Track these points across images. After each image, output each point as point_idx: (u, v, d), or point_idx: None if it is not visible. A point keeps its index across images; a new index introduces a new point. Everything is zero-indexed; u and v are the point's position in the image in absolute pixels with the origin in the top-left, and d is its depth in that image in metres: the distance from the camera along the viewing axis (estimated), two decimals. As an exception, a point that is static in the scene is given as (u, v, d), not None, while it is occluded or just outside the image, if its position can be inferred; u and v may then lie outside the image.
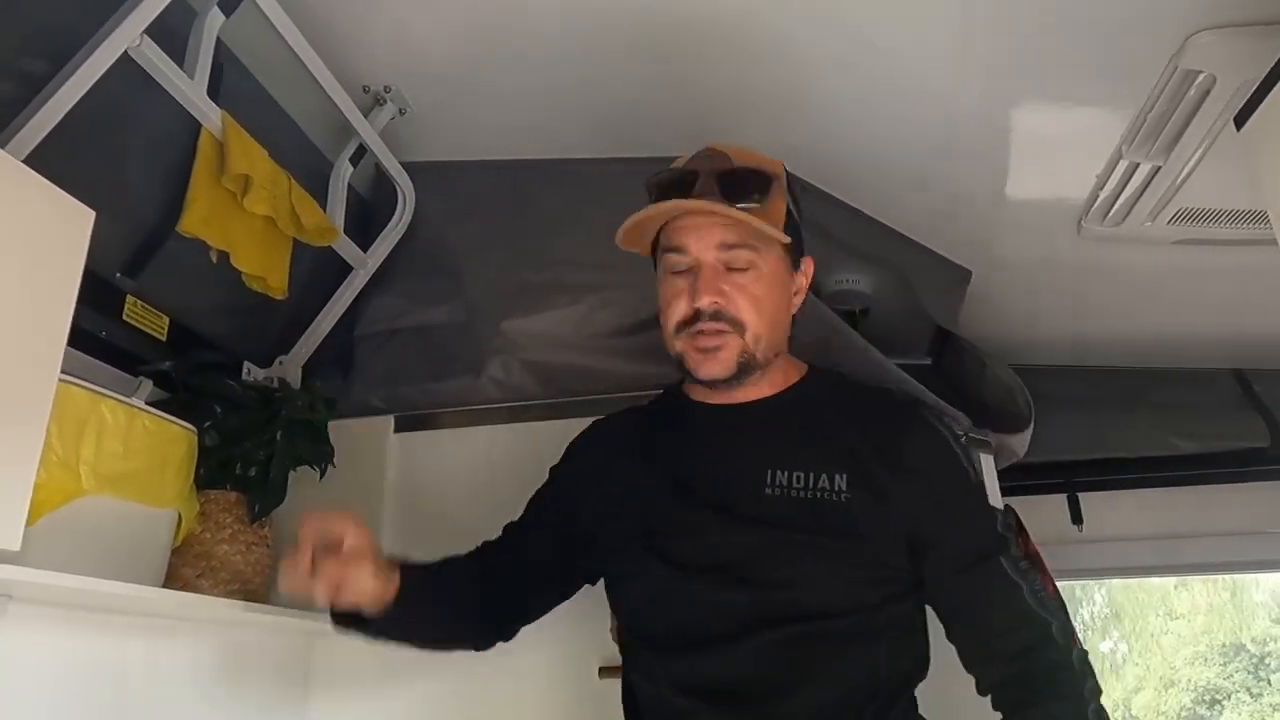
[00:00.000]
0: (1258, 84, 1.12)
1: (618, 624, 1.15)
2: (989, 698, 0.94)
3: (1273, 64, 1.08)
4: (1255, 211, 1.58)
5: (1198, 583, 8.77)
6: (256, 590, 1.23)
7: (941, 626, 1.00)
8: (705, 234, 0.98)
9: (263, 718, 1.31)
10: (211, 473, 1.20)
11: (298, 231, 1.30)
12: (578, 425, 1.48)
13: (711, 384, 1.01)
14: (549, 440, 1.48)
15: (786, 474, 0.96)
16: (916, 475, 0.98)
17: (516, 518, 1.18)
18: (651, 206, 1.00)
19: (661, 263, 1.03)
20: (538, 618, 1.17)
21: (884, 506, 0.96)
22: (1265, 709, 8.52)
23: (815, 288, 1.92)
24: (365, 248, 1.57)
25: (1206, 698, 8.82)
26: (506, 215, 1.64)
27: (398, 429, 1.54)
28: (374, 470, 1.50)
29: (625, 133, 1.62)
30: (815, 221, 1.75)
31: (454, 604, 1.09)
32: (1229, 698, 8.77)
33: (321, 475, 1.37)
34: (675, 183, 1.00)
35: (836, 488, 0.95)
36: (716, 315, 0.97)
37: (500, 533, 1.18)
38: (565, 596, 1.17)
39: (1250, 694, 8.78)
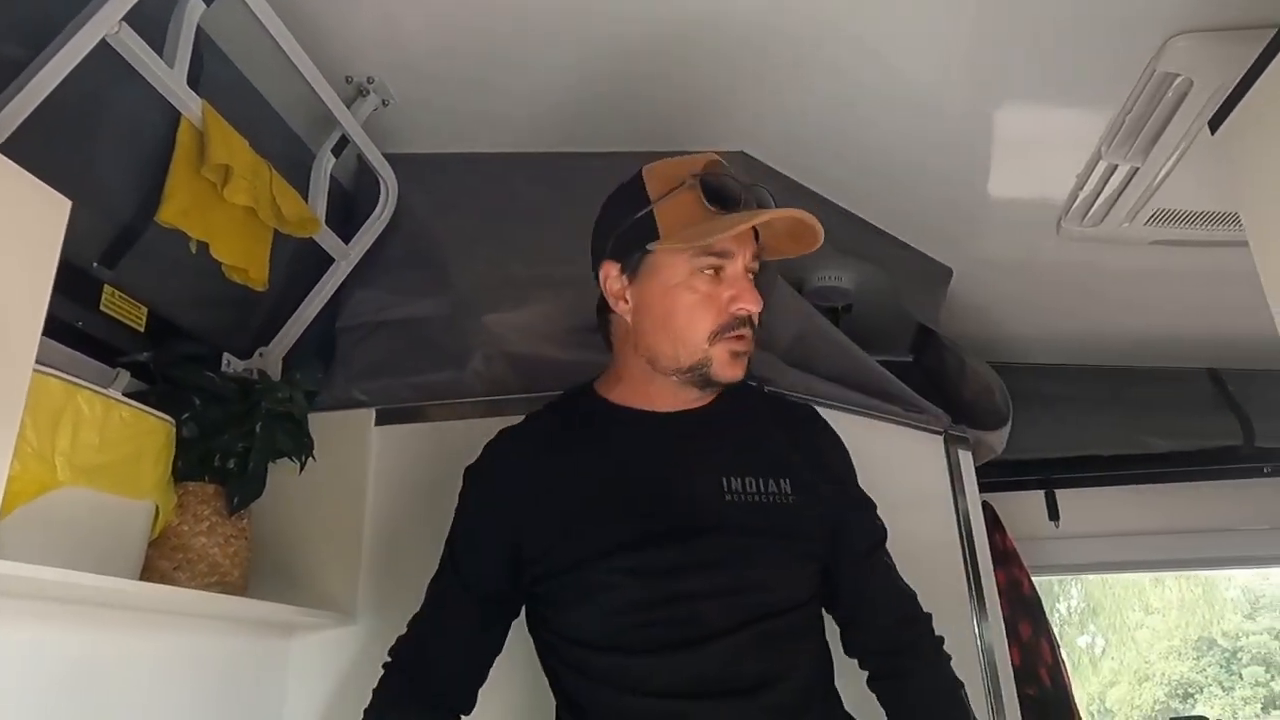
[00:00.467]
0: (1232, 88, 1.13)
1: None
2: (872, 662, 1.08)
3: (1247, 68, 1.10)
4: (1229, 214, 1.61)
5: (1172, 579, 8.91)
6: (235, 583, 1.23)
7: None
8: (747, 244, 1.00)
9: (239, 711, 1.30)
10: (190, 465, 1.19)
11: (279, 222, 1.29)
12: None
13: (714, 389, 1.03)
14: (530, 434, 1.50)
15: (740, 480, 1.00)
16: (833, 475, 1.10)
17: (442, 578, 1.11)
18: (777, 211, 0.97)
19: (688, 263, 0.97)
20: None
21: (818, 506, 1.04)
22: (1236, 702, 8.68)
23: (798, 284, 1.94)
24: (347, 239, 1.56)
25: (1180, 691, 8.96)
26: (491, 208, 1.63)
27: (379, 421, 1.53)
28: (355, 463, 1.49)
29: (612, 128, 1.62)
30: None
31: None
32: (1201, 691, 8.91)
33: (301, 468, 1.36)
34: (730, 191, 0.98)
35: (783, 491, 1.01)
36: (752, 322, 0.99)
37: (427, 611, 1.11)
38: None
39: (1222, 687, 8.93)
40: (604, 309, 1.09)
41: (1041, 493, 2.37)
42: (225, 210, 1.20)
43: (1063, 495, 2.37)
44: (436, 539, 1.44)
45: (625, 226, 1.02)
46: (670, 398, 1.05)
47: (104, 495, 0.99)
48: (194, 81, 1.15)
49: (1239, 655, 9.06)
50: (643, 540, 0.96)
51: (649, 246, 0.99)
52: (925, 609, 1.12)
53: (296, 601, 1.34)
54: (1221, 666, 9.03)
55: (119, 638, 1.07)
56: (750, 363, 1.02)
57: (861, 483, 1.17)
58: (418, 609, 1.15)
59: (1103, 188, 1.60)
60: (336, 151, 1.52)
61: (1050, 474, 2.37)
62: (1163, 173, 1.50)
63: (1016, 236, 1.87)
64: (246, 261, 1.25)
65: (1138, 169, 1.51)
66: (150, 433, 1.08)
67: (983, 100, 1.51)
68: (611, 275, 1.04)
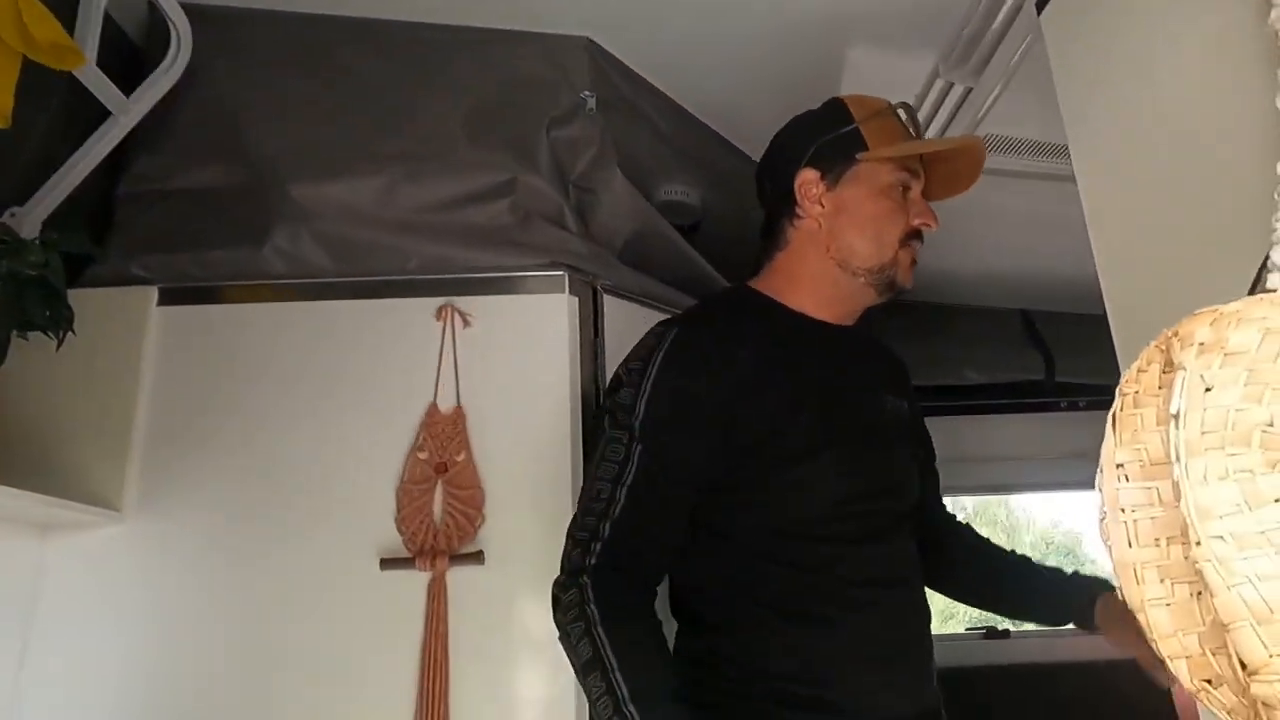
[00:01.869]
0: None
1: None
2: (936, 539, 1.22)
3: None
4: (1051, 144, 1.68)
5: (980, 525, 9.83)
6: (-37, 467, 1.04)
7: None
8: (922, 176, 1.14)
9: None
10: (-98, 325, 0.99)
11: (25, 46, 1.08)
12: (376, 307, 1.37)
13: (889, 293, 1.12)
14: (345, 322, 1.37)
15: (888, 397, 1.13)
16: (918, 409, 1.23)
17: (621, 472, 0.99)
18: (972, 138, 1.20)
19: (889, 175, 1.10)
20: None
21: (920, 428, 1.20)
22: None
23: (646, 196, 1.89)
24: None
25: (979, 628, 9.94)
26: (302, 71, 1.46)
27: (162, 301, 1.35)
28: (129, 345, 1.31)
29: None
30: (650, 121, 1.71)
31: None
32: (996, 627, 9.93)
33: (59, 344, 1.18)
34: (919, 125, 1.17)
35: (905, 410, 1.15)
36: (922, 238, 1.13)
37: (630, 508, 0.99)
38: None
39: (1014, 624, 9.97)
40: (783, 213, 1.15)
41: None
42: (-52, 17, 0.98)
43: (885, 424, 2.48)
44: (226, 431, 1.31)
45: (830, 138, 1.12)
46: (842, 305, 1.13)
47: None
48: None
49: (1030, 594, 10.16)
50: (842, 440, 1.04)
51: (858, 156, 1.10)
52: None
53: (52, 494, 1.16)
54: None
55: None
56: None
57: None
58: (582, 511, 1.01)
59: (939, 108, 1.62)
60: (115, -15, 1.30)
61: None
62: (994, 95, 1.53)
63: (857, 160, 1.89)
64: (-23, 85, 1.04)
65: (971, 89, 1.54)
66: None
67: (837, 17, 1.49)
68: (810, 180, 1.12)
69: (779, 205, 1.15)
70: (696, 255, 1.64)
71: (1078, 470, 2.52)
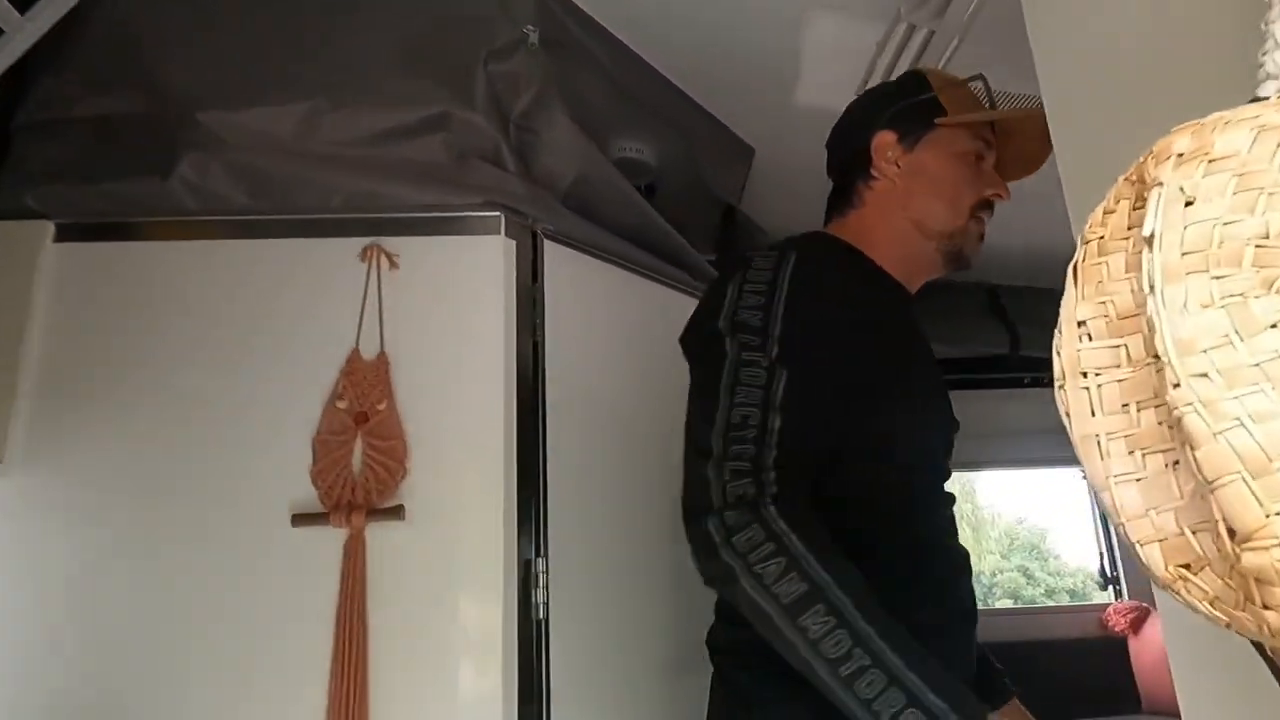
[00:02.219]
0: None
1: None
2: None
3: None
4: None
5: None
6: None
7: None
8: (994, 150, 1.15)
9: None
10: None
11: (-113, -66, 0.97)
12: (295, 246, 1.27)
13: (954, 266, 1.11)
14: (262, 263, 1.26)
15: (939, 371, 1.13)
16: None
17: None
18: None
19: (966, 143, 1.10)
20: None
21: None
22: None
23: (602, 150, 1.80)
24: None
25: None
26: (220, -7, 1.35)
27: (60, 238, 1.24)
28: (18, 282, 1.20)
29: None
30: (602, 67, 1.62)
31: None
32: (963, 619, 9.99)
33: (-69, 274, 1.06)
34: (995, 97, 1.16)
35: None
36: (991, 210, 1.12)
37: (793, 417, 0.89)
38: None
39: (981, 603, 10.04)
40: (856, 175, 1.13)
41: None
42: None
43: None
44: (126, 379, 1.20)
45: (908, 104, 1.13)
46: (910, 267, 1.11)
47: None
48: None
49: (994, 589, 10.23)
50: (922, 404, 1.03)
51: (937, 121, 1.10)
52: None
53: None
54: (979, 599, 10.17)
55: None
56: None
57: (648, 355, 1.15)
58: (727, 440, 0.88)
59: (900, 55, 1.55)
60: (4, -114, 1.18)
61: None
62: (957, 39, 1.46)
63: (815, 116, 1.81)
64: None
65: (934, 34, 1.47)
66: None
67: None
68: (888, 143, 1.12)
69: (852, 167, 1.14)
70: (649, 208, 1.56)
71: (1043, 447, 2.48)
